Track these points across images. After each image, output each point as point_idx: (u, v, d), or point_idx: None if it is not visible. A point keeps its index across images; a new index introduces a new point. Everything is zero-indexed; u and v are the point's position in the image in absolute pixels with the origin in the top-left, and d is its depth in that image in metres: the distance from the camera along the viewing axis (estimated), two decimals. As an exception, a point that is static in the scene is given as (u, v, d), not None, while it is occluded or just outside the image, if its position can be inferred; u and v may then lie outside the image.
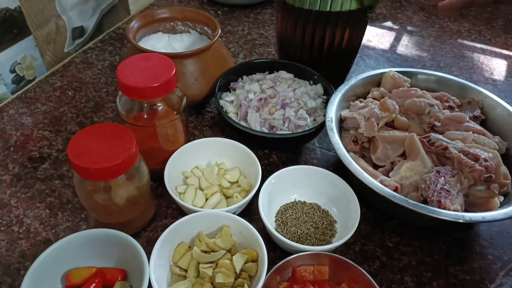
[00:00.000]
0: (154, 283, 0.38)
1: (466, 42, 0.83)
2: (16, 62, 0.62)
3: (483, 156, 0.45)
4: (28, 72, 0.64)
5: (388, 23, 0.87)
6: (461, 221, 0.41)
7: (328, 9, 0.56)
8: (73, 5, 0.68)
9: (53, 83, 0.66)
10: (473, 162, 0.45)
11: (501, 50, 0.81)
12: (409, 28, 0.86)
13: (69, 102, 0.63)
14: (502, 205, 0.46)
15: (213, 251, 0.42)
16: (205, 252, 0.42)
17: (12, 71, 0.62)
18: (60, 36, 0.68)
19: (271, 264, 0.40)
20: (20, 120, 0.60)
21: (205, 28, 0.63)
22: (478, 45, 0.82)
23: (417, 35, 0.84)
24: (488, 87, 0.72)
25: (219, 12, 0.86)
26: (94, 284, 0.39)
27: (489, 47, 0.81)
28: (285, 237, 0.45)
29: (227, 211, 0.44)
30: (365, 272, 0.40)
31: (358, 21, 0.59)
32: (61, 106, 0.62)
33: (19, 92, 0.64)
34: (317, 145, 0.59)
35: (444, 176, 0.44)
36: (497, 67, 0.76)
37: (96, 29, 0.75)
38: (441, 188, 0.43)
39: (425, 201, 0.44)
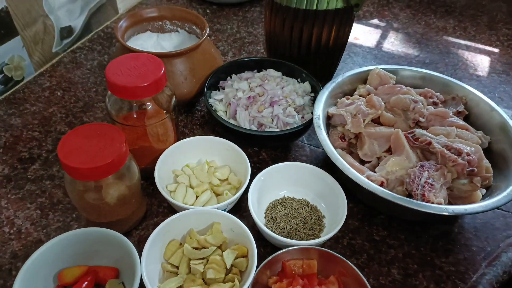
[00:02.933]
0: (146, 281, 0.38)
1: (451, 38, 0.84)
2: (4, 62, 0.62)
3: (465, 151, 0.47)
4: (16, 73, 0.64)
5: (375, 21, 0.88)
6: (444, 213, 0.42)
7: (314, 7, 0.57)
8: (61, 4, 0.68)
9: (42, 84, 0.66)
10: (456, 156, 0.46)
11: (485, 46, 0.83)
12: (395, 25, 0.87)
13: (58, 102, 0.63)
14: (484, 197, 0.47)
15: (204, 248, 0.43)
16: (196, 248, 0.43)
17: (0, 72, 0.62)
18: (48, 36, 0.68)
19: (261, 259, 0.41)
20: (9, 121, 0.60)
21: (194, 27, 0.63)
22: (463, 42, 0.83)
23: (403, 32, 0.85)
24: (473, 83, 0.73)
25: (208, 11, 0.87)
26: (86, 283, 0.40)
27: (473, 44, 0.83)
28: (274, 232, 0.45)
29: (217, 208, 0.45)
30: (353, 266, 0.41)
31: (344, 19, 0.60)
32: (50, 106, 0.62)
33: (8, 93, 0.64)
34: (306, 142, 0.60)
35: (428, 170, 0.46)
36: (481, 63, 0.78)
37: (84, 29, 0.75)
38: (425, 182, 0.44)
39: (410, 195, 0.46)
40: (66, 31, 0.71)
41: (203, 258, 0.42)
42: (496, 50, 0.82)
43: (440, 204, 0.43)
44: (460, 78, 0.72)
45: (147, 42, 0.63)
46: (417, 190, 0.44)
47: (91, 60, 0.71)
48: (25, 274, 0.38)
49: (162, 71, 0.46)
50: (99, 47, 0.74)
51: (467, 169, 0.46)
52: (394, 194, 0.44)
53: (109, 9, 0.80)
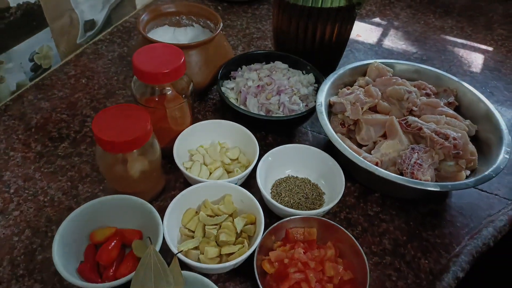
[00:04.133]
0: (168, 241, 0.44)
1: (448, 37, 0.89)
2: (34, 51, 0.68)
3: (452, 135, 0.52)
4: (44, 61, 0.70)
5: (377, 19, 0.93)
6: (429, 188, 0.47)
7: (319, 5, 0.62)
8: (85, -1, 0.74)
9: (67, 72, 0.72)
10: (443, 140, 0.51)
11: (480, 45, 0.88)
12: (396, 24, 0.92)
13: (83, 89, 0.69)
14: (468, 178, 0.52)
15: (217, 215, 0.48)
16: (210, 216, 0.48)
17: (31, 60, 0.67)
18: (73, 29, 0.74)
19: (267, 227, 0.47)
20: (38, 104, 0.66)
21: (208, 22, 0.69)
22: (459, 40, 0.88)
23: (403, 30, 0.90)
24: (466, 78, 0.78)
25: (219, 8, 0.92)
26: (114, 242, 0.45)
27: (469, 42, 0.88)
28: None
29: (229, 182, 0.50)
30: (348, 233, 0.46)
31: (347, 17, 0.65)
32: (75, 92, 0.68)
33: (37, 79, 0.70)
34: (309, 128, 0.65)
35: (417, 152, 0.51)
36: (475, 60, 0.83)
37: (106, 22, 0.81)
38: (415, 162, 0.50)
39: (401, 174, 0.51)
40: (89, 24, 0.77)
41: (216, 224, 0.48)
42: (490, 48, 0.87)
43: (427, 181, 0.49)
44: (455, 74, 0.77)
45: (165, 35, 0.69)
46: (407, 169, 0.50)
47: (111, 52, 0.77)
48: (63, 232, 0.44)
49: (182, 60, 0.51)
50: (118, 40, 0.80)
51: (453, 152, 0.51)
52: (387, 172, 0.49)
53: (127, 4, 0.86)
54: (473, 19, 0.96)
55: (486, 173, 0.50)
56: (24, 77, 0.68)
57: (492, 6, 1.00)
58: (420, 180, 0.48)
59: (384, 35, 0.88)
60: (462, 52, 0.85)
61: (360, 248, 0.46)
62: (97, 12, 0.78)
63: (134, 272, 0.40)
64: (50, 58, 0.71)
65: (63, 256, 0.42)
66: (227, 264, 0.43)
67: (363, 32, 0.89)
